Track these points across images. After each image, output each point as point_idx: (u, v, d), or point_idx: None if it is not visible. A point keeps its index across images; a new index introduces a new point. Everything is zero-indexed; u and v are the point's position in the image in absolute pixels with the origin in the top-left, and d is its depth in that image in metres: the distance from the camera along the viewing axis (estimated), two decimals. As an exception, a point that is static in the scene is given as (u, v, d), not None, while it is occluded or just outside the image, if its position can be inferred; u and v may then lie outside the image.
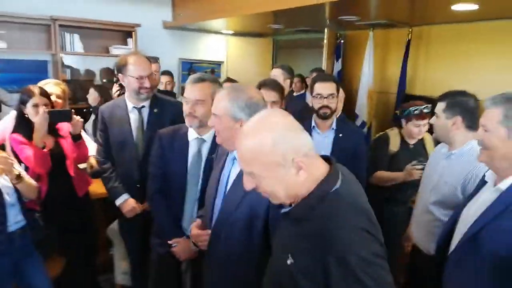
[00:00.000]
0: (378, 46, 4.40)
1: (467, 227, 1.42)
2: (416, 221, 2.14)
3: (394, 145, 2.67)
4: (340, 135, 2.40)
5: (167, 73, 4.37)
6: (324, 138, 2.41)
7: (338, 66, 4.82)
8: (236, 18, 4.35)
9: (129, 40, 4.89)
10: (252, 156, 1.02)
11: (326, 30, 4.56)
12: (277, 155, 1.00)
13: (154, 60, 3.23)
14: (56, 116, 2.25)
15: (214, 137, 2.00)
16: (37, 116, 2.22)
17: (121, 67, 2.24)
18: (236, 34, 5.94)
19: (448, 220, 1.69)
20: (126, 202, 2.33)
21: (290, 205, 1.10)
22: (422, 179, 2.18)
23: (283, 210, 1.12)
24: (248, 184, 1.09)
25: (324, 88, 2.33)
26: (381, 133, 2.88)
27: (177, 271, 2.13)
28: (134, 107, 2.32)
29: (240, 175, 1.44)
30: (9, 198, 2.01)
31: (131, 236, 2.49)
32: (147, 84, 2.23)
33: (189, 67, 5.69)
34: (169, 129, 2.06)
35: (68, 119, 2.28)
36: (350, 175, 1.16)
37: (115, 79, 3.54)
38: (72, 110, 2.32)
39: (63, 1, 4.48)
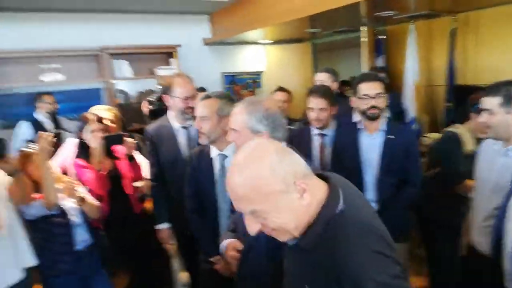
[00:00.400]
0: (421, 38, 4.24)
1: None
2: (478, 228, 1.94)
3: (469, 143, 2.41)
4: (390, 136, 2.30)
5: (202, 89, 4.46)
6: (373, 140, 2.34)
7: (380, 63, 4.70)
8: (273, 26, 4.40)
9: (172, 60, 5.10)
10: (250, 191, 0.93)
11: (363, 28, 4.48)
12: (278, 182, 0.92)
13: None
14: (109, 141, 2.41)
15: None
16: (93, 141, 2.39)
17: (167, 89, 2.36)
18: (274, 42, 5.99)
19: (497, 216, 1.60)
20: (163, 231, 2.45)
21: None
22: (476, 180, 2.01)
23: (290, 243, 1.04)
24: (253, 227, 0.98)
25: (370, 88, 2.27)
26: (447, 132, 2.57)
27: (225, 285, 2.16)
28: (181, 126, 2.42)
29: None
30: (76, 218, 2.18)
31: (186, 251, 2.58)
32: (191, 104, 2.33)
33: (231, 80, 5.82)
34: (197, 148, 2.14)
35: (120, 142, 2.43)
36: (349, 187, 1.09)
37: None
38: (123, 133, 2.47)
39: (110, 31, 4.79)
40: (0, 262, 1.85)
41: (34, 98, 4.13)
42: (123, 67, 4.81)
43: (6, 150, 1.73)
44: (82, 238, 2.19)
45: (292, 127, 2.92)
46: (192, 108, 2.34)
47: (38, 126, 3.98)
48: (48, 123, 4.07)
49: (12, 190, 1.97)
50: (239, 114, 1.52)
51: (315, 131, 2.53)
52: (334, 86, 3.02)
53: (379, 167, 2.28)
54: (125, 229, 2.46)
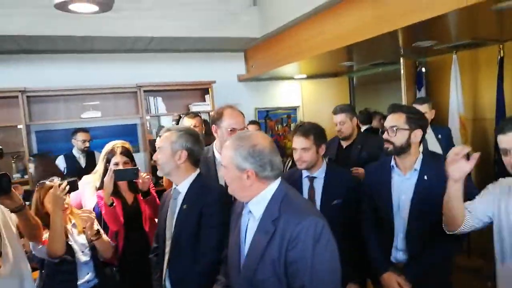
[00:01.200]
0: (465, 68, 3.97)
1: None
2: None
3: None
4: (425, 177, 1.97)
5: (254, 122, 4.45)
6: (406, 181, 2.02)
7: (421, 95, 4.45)
8: (307, 60, 4.33)
9: (207, 97, 5.13)
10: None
11: (402, 60, 4.29)
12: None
13: (194, 115, 3.32)
14: (122, 175, 2.33)
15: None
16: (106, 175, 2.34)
17: (216, 119, 2.27)
18: (310, 77, 5.91)
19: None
20: None
21: None
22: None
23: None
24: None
25: (388, 120, 2.05)
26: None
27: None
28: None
29: (258, 231, 1.40)
30: (84, 256, 2.08)
31: None
32: None
33: (265, 115, 5.75)
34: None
35: (135, 176, 2.34)
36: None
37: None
38: (138, 168, 2.38)
39: (146, 69, 4.93)
40: None
41: (71, 134, 4.25)
42: (158, 104, 4.89)
43: (10, 186, 1.67)
44: (87, 278, 2.08)
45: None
46: None
47: (72, 161, 4.09)
48: (81, 158, 4.17)
49: (19, 227, 1.92)
50: (226, 149, 1.44)
51: (305, 173, 2.26)
52: (354, 123, 3.01)
53: (409, 212, 1.99)
54: (139, 266, 2.33)
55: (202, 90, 5.21)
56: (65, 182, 2.01)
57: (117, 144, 2.52)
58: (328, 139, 2.44)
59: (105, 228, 2.33)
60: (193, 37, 4.38)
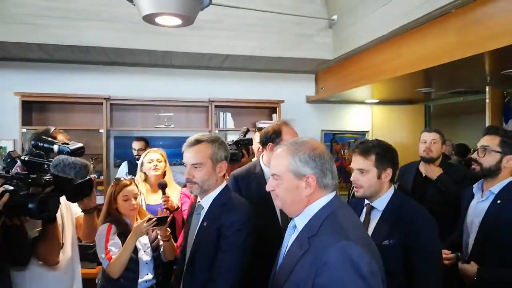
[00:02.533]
0: None
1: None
2: None
3: None
4: (499, 201, 1.84)
5: None
6: (480, 203, 1.92)
7: (509, 129, 4.04)
8: (380, 84, 4.17)
9: (274, 115, 5.16)
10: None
11: (488, 89, 3.95)
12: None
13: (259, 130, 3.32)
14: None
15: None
16: None
17: (274, 136, 2.15)
18: (382, 102, 5.69)
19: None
20: None
21: None
22: None
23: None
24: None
25: (480, 140, 1.95)
26: None
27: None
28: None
29: (294, 243, 1.29)
30: (145, 256, 2.14)
31: None
32: None
33: (332, 138, 5.62)
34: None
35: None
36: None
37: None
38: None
39: (219, 85, 5.11)
40: None
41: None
42: (227, 119, 5.02)
43: (92, 189, 1.78)
44: (146, 277, 2.13)
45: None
46: None
47: (133, 167, 4.37)
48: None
49: (80, 226, 2.02)
50: (281, 157, 1.30)
51: (366, 200, 1.88)
52: (444, 149, 2.84)
53: (477, 236, 1.84)
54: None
55: (270, 109, 5.26)
56: (154, 218, 2.07)
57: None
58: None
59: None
60: (266, 56, 4.47)
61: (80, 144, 1.70)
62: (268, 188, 1.36)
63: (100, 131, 4.61)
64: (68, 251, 1.93)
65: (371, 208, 1.82)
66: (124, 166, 4.44)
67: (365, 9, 3.80)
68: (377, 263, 1.16)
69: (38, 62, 4.59)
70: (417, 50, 3.33)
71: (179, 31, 3.72)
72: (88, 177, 1.71)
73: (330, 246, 1.13)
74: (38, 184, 1.53)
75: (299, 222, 1.30)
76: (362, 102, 5.68)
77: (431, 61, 3.08)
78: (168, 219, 2.22)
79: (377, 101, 5.61)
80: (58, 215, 1.84)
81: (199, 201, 1.80)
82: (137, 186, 2.32)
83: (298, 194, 1.28)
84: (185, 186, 2.78)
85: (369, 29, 3.76)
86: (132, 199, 2.20)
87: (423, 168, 2.97)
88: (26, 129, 4.36)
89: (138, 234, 2.07)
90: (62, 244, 1.86)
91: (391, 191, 1.81)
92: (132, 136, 4.88)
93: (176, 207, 2.68)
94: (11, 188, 1.50)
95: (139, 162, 3.05)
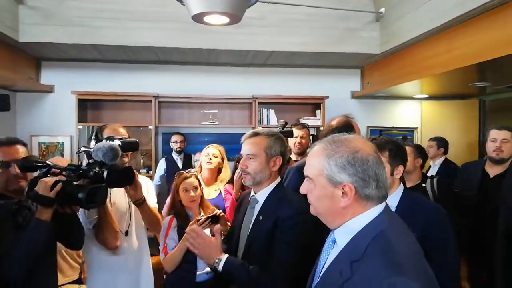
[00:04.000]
0: None
1: None
2: None
3: None
4: None
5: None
6: None
7: None
8: (430, 79, 4.00)
9: (318, 112, 5.11)
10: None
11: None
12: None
13: (302, 126, 3.33)
14: None
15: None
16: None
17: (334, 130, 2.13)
18: (432, 97, 5.45)
19: None
20: None
21: None
22: None
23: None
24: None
25: None
26: None
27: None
28: None
29: (333, 264, 1.10)
30: None
31: None
32: None
33: (379, 134, 5.46)
34: None
35: None
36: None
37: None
38: None
39: (262, 81, 5.14)
40: (116, 283, 1.96)
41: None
42: (270, 116, 5.03)
43: (134, 177, 1.87)
44: (205, 270, 2.19)
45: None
46: None
47: (171, 163, 4.66)
48: (178, 160, 4.70)
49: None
50: (315, 157, 1.12)
51: None
52: None
53: None
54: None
55: (314, 105, 5.21)
56: (204, 218, 2.11)
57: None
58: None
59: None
60: (310, 52, 4.42)
61: (134, 139, 1.80)
62: (301, 190, 1.19)
63: (149, 127, 4.79)
64: (133, 239, 2.04)
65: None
66: (162, 163, 4.66)
67: (415, 1, 3.65)
68: None
69: (92, 62, 4.85)
70: (471, 42, 3.15)
71: (224, 29, 3.77)
72: (126, 166, 1.80)
73: (378, 281, 0.94)
74: (86, 176, 1.66)
75: (340, 238, 1.11)
76: (411, 97, 5.47)
77: (487, 54, 2.91)
78: (220, 215, 2.26)
79: (426, 96, 5.38)
80: (124, 203, 1.96)
81: (253, 195, 1.81)
82: (198, 179, 2.39)
83: (333, 204, 1.09)
84: (228, 183, 2.85)
85: (419, 22, 3.60)
86: (192, 191, 2.28)
87: (490, 169, 2.80)
88: (82, 125, 4.64)
89: (185, 245, 2.15)
90: (127, 231, 1.97)
91: (401, 188, 1.83)
92: (180, 133, 5.05)
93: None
94: (64, 179, 1.65)
95: (201, 154, 3.11)
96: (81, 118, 4.68)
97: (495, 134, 2.77)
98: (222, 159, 3.08)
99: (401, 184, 1.84)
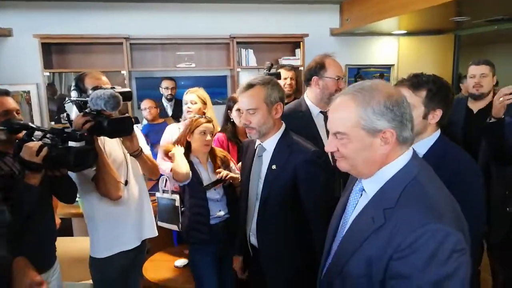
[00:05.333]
0: None
1: None
2: None
3: None
4: None
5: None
6: None
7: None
8: (410, 14, 3.93)
9: (297, 51, 4.99)
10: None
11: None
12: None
13: (290, 67, 3.26)
14: None
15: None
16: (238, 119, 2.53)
17: (318, 69, 2.13)
18: (409, 33, 5.42)
19: None
20: None
21: None
22: None
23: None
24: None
25: None
26: None
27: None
28: (321, 111, 2.19)
29: (363, 212, 1.08)
30: (216, 194, 2.23)
31: None
32: (342, 86, 2.15)
33: (356, 72, 5.47)
34: None
35: None
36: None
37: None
38: None
39: (239, 20, 4.89)
40: (120, 232, 1.96)
41: (159, 82, 4.56)
42: (249, 56, 4.87)
43: (133, 128, 1.79)
44: (218, 213, 2.23)
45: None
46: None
47: (160, 109, 4.45)
48: (168, 107, 4.51)
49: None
50: (346, 108, 1.05)
51: None
52: (494, 81, 2.63)
53: None
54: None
55: (293, 44, 5.06)
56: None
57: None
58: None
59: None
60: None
61: (128, 89, 1.71)
62: (328, 148, 1.13)
63: (122, 72, 4.54)
64: (133, 188, 2.01)
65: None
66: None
67: None
68: (468, 243, 0.99)
69: (56, 1, 4.41)
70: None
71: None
72: (126, 115, 1.74)
73: (416, 228, 0.93)
74: (73, 138, 1.59)
75: (369, 186, 1.09)
76: (389, 34, 5.42)
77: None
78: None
79: (404, 32, 5.34)
80: (120, 153, 1.90)
81: (259, 144, 1.78)
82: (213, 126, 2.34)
83: (371, 154, 1.05)
84: (221, 131, 2.77)
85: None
86: (209, 135, 2.24)
87: (472, 105, 2.77)
88: (49, 72, 4.33)
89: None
90: (126, 181, 1.93)
91: (436, 135, 1.60)
92: (154, 77, 4.83)
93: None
94: (49, 142, 1.59)
95: (184, 100, 2.91)
96: (46, 64, 4.34)
97: (473, 70, 2.71)
98: (204, 103, 2.90)
99: (438, 130, 1.62)
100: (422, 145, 1.56)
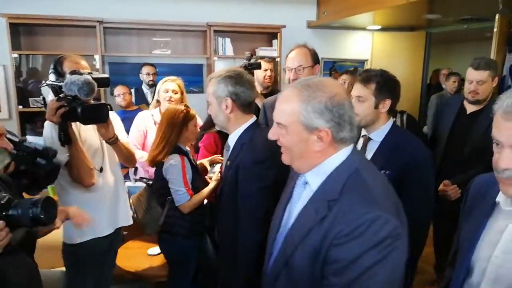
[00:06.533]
0: None
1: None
2: None
3: None
4: None
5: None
6: None
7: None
8: (386, 9, 4.02)
9: (274, 42, 5.00)
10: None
11: (497, 17, 3.86)
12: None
13: (270, 59, 3.31)
14: None
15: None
16: None
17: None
18: (384, 29, 5.54)
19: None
20: None
21: None
22: None
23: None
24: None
25: None
26: None
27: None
28: None
29: (308, 205, 1.11)
30: None
31: None
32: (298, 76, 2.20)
33: (331, 66, 5.55)
34: None
35: None
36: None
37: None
38: None
39: (217, 8, 4.84)
40: (93, 218, 1.93)
41: (139, 68, 4.43)
42: (226, 45, 4.85)
43: (108, 115, 1.76)
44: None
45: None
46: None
47: (140, 95, 4.29)
48: (148, 94, 4.36)
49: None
50: (288, 101, 1.08)
51: (363, 132, 1.86)
52: (495, 83, 2.46)
53: None
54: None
55: (270, 35, 5.07)
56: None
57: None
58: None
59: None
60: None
61: (106, 75, 1.68)
62: (270, 136, 1.15)
63: (95, 56, 4.41)
64: (108, 175, 1.99)
65: (368, 139, 1.81)
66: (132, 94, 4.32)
67: None
68: (404, 228, 1.04)
69: (22, -21, 4.22)
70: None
71: None
72: (101, 102, 1.71)
73: (358, 217, 0.98)
74: (44, 156, 1.58)
75: (313, 180, 1.12)
76: (363, 28, 5.52)
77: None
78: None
79: (379, 27, 5.45)
80: (96, 140, 1.87)
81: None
82: None
83: (306, 149, 1.09)
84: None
85: None
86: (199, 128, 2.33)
87: (468, 105, 2.57)
88: (17, 53, 4.15)
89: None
90: (101, 168, 1.90)
91: (389, 123, 1.79)
92: (128, 63, 4.72)
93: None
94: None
95: (157, 88, 2.87)
96: (14, 46, 4.16)
97: (471, 75, 2.44)
98: (182, 93, 2.87)
99: (391, 119, 1.81)
100: (378, 134, 1.77)
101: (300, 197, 1.17)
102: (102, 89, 4.38)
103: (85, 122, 1.70)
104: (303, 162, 1.12)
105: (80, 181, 1.80)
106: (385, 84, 1.74)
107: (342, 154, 1.09)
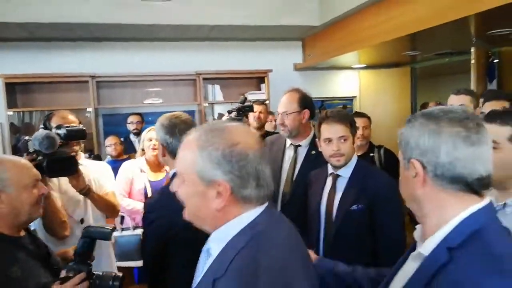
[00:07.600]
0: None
1: None
2: None
3: None
4: None
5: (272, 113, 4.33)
6: None
7: (493, 88, 4.14)
8: (368, 49, 4.19)
9: (262, 85, 5.16)
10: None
11: (473, 50, 4.01)
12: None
13: (261, 102, 3.40)
14: None
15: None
16: None
17: None
18: (369, 67, 5.72)
19: None
20: None
21: None
22: None
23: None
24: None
25: None
26: None
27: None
28: (291, 144, 2.30)
29: (202, 281, 0.96)
30: None
31: None
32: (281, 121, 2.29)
33: (320, 105, 5.67)
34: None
35: None
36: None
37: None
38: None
39: (205, 57, 5.04)
40: None
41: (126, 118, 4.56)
42: (215, 92, 5.00)
43: (77, 167, 1.79)
44: None
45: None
46: None
47: (127, 144, 4.40)
48: (136, 142, 4.46)
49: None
50: (187, 149, 0.93)
51: (330, 170, 1.88)
52: (477, 113, 2.50)
53: None
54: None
55: (258, 79, 5.24)
56: None
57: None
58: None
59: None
60: (252, 25, 4.41)
61: (80, 127, 1.74)
62: (172, 187, 0.99)
63: (88, 109, 4.55)
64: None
65: (337, 176, 1.84)
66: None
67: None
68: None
69: (19, 42, 4.44)
70: (404, 14, 3.33)
71: (163, 3, 3.64)
72: (68, 155, 1.74)
73: None
74: None
75: (214, 246, 0.94)
76: (349, 68, 5.70)
77: (418, 24, 3.10)
78: None
79: (364, 65, 5.63)
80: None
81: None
82: None
83: (204, 205, 0.91)
84: None
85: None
86: None
87: None
88: (13, 111, 4.29)
89: None
90: (82, 219, 1.91)
91: (355, 158, 1.86)
92: (122, 113, 4.85)
93: None
94: None
95: (141, 137, 2.95)
96: (11, 103, 4.30)
97: (452, 100, 2.58)
98: None
99: (355, 153, 1.87)
100: (347, 170, 1.82)
101: (203, 267, 0.97)
102: (95, 140, 4.49)
103: (52, 175, 1.72)
104: (201, 222, 0.95)
105: (53, 233, 1.80)
106: (353, 121, 1.85)
107: (247, 217, 0.90)
